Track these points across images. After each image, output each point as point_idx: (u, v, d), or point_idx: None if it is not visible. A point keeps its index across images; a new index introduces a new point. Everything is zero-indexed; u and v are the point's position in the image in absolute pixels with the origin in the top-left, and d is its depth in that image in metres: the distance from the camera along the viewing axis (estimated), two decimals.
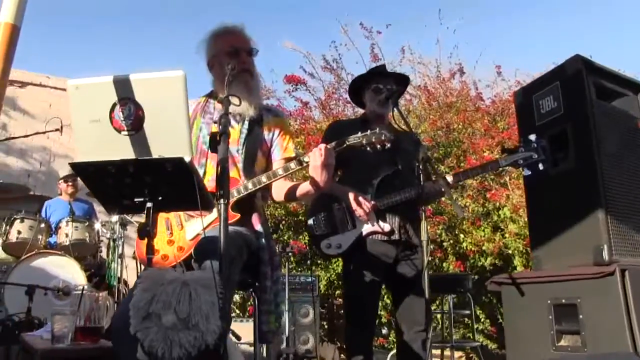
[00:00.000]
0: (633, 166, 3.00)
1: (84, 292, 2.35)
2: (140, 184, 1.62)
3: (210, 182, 2.22)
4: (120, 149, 1.57)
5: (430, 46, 13.92)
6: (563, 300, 2.75)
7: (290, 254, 6.58)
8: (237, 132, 2.42)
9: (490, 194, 6.96)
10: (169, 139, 1.56)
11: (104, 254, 5.57)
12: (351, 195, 2.74)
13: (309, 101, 8.56)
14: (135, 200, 1.66)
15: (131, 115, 1.54)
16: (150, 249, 1.66)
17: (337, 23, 9.35)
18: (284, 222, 7.16)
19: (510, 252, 6.67)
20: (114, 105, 1.55)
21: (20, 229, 4.81)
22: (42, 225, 4.94)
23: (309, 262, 6.79)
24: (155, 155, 1.56)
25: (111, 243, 5.23)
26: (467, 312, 5.23)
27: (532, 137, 2.75)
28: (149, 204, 1.65)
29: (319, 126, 7.83)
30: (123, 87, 1.52)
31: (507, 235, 6.72)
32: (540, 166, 2.73)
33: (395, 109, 2.81)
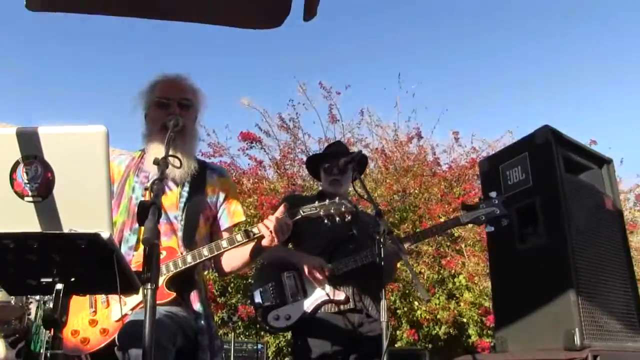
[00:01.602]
0: (599, 243, 2.91)
1: None
2: (48, 261, 1.29)
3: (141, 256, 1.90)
4: (23, 218, 1.25)
5: (389, 109, 14.14)
6: None
7: (238, 321, 6.20)
8: (175, 195, 2.14)
9: (446, 261, 6.87)
10: (84, 209, 1.25)
11: (33, 317, 5.02)
12: (307, 261, 2.60)
13: (263, 160, 8.40)
14: (42, 280, 1.34)
15: (37, 177, 1.23)
16: (58, 343, 1.33)
17: (295, 81, 9.31)
18: (232, 284, 6.84)
19: (465, 320, 6.55)
20: (16, 164, 1.24)
21: None
22: None
23: (257, 326, 6.43)
24: (65, 229, 1.25)
25: (41, 305, 4.71)
26: None
27: (493, 194, 2.68)
28: (58, 286, 1.32)
29: (272, 186, 7.62)
30: (29, 142, 1.22)
31: (462, 303, 6.59)
32: (504, 222, 2.64)
33: (356, 185, 2.69)
